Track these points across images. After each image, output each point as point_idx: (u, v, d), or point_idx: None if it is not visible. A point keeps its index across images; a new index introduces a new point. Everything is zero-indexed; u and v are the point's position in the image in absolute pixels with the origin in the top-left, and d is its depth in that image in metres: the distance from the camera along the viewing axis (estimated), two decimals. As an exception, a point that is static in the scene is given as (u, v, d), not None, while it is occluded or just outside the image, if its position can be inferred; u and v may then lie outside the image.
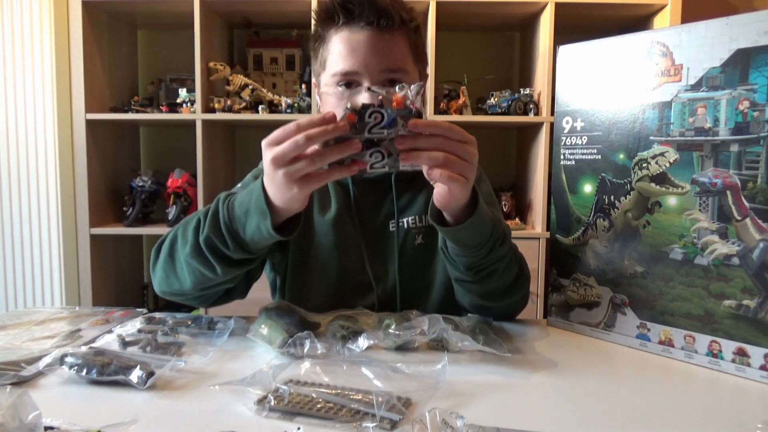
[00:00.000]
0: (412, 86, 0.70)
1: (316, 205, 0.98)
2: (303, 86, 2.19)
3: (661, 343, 0.78)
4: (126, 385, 0.63)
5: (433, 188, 0.80)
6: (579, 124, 0.87)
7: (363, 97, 0.82)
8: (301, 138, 0.66)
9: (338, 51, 0.90)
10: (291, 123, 0.68)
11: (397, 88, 0.70)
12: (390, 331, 0.76)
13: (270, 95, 2.17)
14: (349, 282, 0.96)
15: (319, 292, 0.97)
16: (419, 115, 0.69)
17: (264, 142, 0.70)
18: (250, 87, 2.16)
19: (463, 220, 0.77)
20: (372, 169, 0.70)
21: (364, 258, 0.96)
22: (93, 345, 0.77)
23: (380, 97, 0.70)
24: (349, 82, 0.90)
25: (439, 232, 0.82)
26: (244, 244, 0.77)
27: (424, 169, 0.72)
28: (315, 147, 0.68)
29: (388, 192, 0.99)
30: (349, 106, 0.68)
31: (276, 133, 0.69)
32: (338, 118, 0.68)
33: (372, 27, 0.88)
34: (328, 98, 0.93)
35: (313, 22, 0.96)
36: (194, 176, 2.15)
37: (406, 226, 0.98)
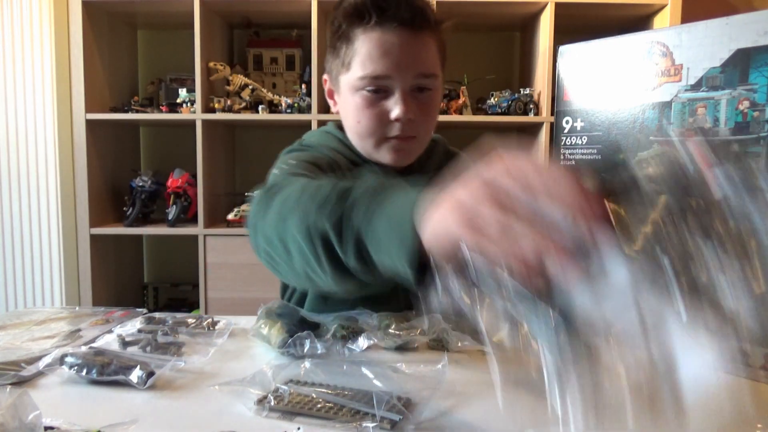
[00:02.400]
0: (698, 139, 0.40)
1: None
2: (303, 86, 2.19)
3: (661, 343, 0.78)
4: (126, 385, 0.63)
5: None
6: (579, 124, 0.87)
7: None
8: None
9: (368, 52, 0.84)
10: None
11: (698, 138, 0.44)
12: (390, 331, 0.76)
13: (270, 95, 2.17)
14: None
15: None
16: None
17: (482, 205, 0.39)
18: (250, 87, 2.16)
19: None
20: None
21: None
22: (93, 345, 0.77)
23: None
24: (378, 87, 0.85)
25: None
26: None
27: None
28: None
29: None
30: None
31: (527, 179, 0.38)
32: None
33: (406, 28, 0.83)
34: (351, 101, 0.88)
35: (334, 18, 0.89)
36: (194, 176, 2.15)
37: None
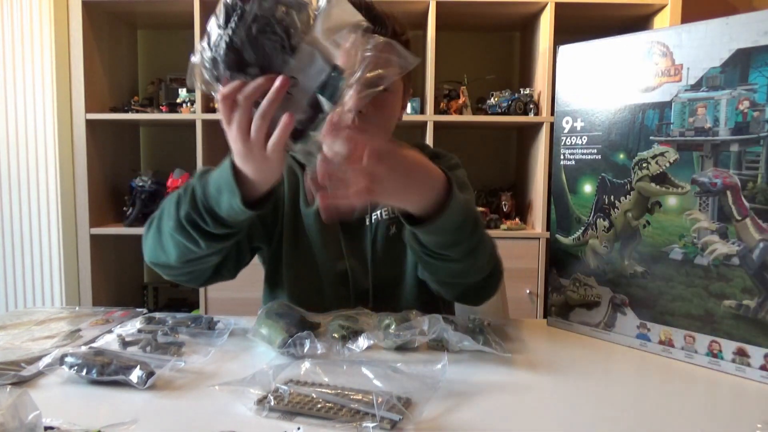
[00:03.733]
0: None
1: (302, 198, 1.00)
2: (303, 86, 2.18)
3: (661, 343, 0.78)
4: (126, 385, 0.63)
5: None
6: (579, 124, 0.87)
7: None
8: (242, 101, 0.65)
9: None
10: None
11: None
12: (390, 331, 0.76)
13: (270, 95, 2.17)
14: (330, 272, 0.98)
15: (304, 280, 0.98)
16: None
17: (224, 125, 0.69)
18: (250, 87, 2.16)
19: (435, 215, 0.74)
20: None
21: (342, 249, 0.98)
22: (93, 345, 0.77)
23: None
24: None
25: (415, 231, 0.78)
26: (222, 219, 0.78)
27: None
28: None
29: None
30: None
31: (224, 113, 0.68)
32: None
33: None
34: None
35: None
36: (194, 176, 2.15)
37: (380, 217, 0.99)
